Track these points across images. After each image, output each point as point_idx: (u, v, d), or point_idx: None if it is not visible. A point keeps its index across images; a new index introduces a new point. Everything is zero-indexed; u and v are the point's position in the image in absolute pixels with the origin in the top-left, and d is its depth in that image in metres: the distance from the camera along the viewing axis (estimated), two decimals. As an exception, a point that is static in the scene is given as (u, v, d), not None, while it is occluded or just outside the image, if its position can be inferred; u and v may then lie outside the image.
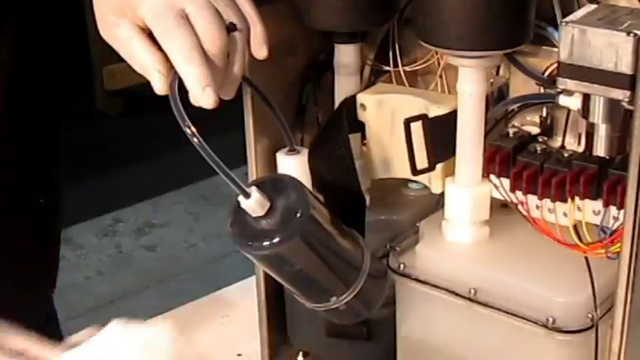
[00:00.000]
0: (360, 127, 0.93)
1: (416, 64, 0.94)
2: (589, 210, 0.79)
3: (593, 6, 0.74)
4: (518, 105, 0.87)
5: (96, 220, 2.53)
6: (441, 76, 0.93)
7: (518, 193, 0.82)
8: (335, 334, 0.94)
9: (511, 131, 0.85)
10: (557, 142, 0.86)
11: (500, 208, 0.86)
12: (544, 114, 0.87)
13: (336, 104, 0.93)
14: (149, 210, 2.51)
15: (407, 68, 0.95)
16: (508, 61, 0.86)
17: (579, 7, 0.78)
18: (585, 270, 0.79)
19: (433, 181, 0.91)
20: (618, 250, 0.73)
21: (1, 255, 0.93)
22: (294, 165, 0.87)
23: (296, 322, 0.98)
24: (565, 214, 0.79)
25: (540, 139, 0.85)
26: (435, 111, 0.87)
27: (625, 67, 0.69)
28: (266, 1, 0.81)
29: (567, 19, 0.72)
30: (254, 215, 0.69)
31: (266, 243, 0.69)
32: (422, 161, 0.88)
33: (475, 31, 0.77)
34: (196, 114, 0.70)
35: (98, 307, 2.35)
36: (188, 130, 0.67)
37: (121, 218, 2.52)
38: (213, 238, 2.53)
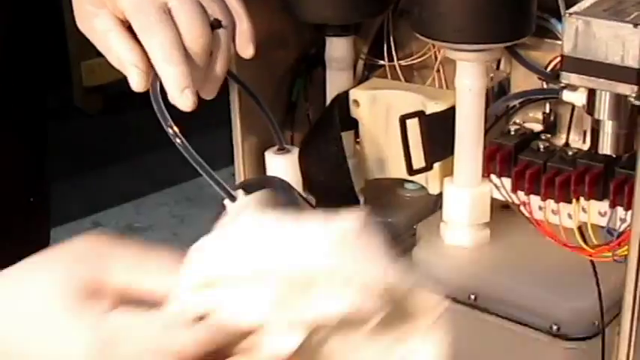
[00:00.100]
0: (353, 125, 0.92)
1: (412, 58, 0.94)
2: (595, 211, 0.79)
3: (599, -4, 0.74)
4: (519, 101, 0.87)
5: (74, 223, 2.53)
6: (438, 71, 0.93)
7: (520, 194, 0.82)
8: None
9: (512, 128, 0.85)
10: (560, 140, 0.86)
11: (501, 209, 0.86)
12: (547, 110, 0.87)
13: (328, 100, 0.93)
14: (131, 212, 2.51)
15: (402, 62, 0.94)
16: (509, 55, 0.86)
17: (584, -2, 0.78)
18: (591, 274, 0.79)
19: (430, 182, 0.91)
20: (626, 253, 0.73)
21: None
22: (283, 164, 0.87)
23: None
24: (570, 216, 0.79)
25: (543, 137, 0.85)
26: (432, 107, 0.87)
27: (632, 60, 0.69)
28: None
29: (571, 10, 0.72)
30: None
31: None
32: (418, 160, 0.87)
33: (474, 23, 0.77)
34: (180, 111, 0.69)
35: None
36: (170, 131, 0.66)
37: (100, 222, 2.52)
38: (199, 242, 2.52)
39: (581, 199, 0.79)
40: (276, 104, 0.91)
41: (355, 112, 0.92)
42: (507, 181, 0.83)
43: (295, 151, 0.87)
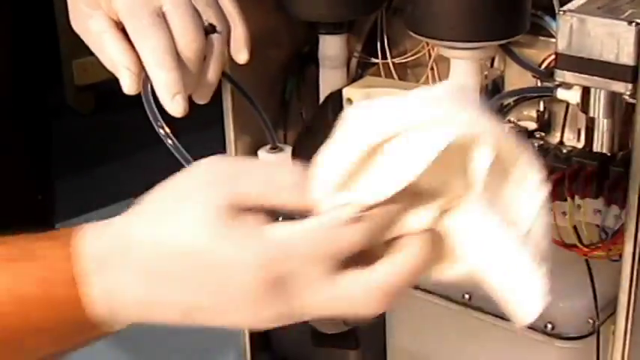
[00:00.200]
0: (346, 123, 0.93)
1: (405, 56, 0.94)
2: (589, 209, 0.79)
3: (593, -6, 0.74)
4: (513, 99, 0.87)
5: (65, 224, 2.52)
6: (432, 69, 0.93)
7: (515, 192, 0.82)
8: (321, 343, 0.93)
9: (506, 126, 0.85)
10: (555, 138, 0.86)
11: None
12: (541, 108, 0.87)
13: (321, 99, 0.93)
14: (124, 211, 2.50)
15: (396, 60, 0.94)
16: (503, 53, 0.86)
17: (578, -5, 0.78)
18: (586, 273, 0.79)
19: (425, 180, 0.91)
20: (620, 251, 0.73)
21: None
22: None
23: (279, 329, 0.98)
24: (564, 214, 0.79)
25: (537, 135, 0.85)
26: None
27: (626, 58, 0.69)
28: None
29: (565, 7, 0.72)
30: None
31: None
32: (412, 159, 0.87)
33: (468, 21, 0.77)
34: (172, 110, 0.70)
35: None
36: (161, 131, 0.67)
37: (92, 221, 2.52)
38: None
39: (576, 197, 0.79)
40: (269, 103, 0.91)
41: (349, 110, 0.92)
42: (502, 180, 0.82)
43: (288, 150, 0.87)
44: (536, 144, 0.82)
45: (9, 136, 0.95)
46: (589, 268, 0.79)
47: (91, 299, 0.49)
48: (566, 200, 0.79)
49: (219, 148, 0.93)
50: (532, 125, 0.87)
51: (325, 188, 0.49)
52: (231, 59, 0.76)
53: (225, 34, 0.73)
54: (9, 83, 0.95)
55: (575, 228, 0.79)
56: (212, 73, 0.73)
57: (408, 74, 0.96)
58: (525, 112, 0.88)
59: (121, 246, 0.49)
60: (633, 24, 0.68)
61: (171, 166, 0.68)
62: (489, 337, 0.83)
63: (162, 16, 0.70)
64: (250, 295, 0.48)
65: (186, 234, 0.48)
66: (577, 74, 0.72)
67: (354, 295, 0.48)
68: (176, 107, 0.69)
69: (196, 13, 0.71)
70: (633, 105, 0.69)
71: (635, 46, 0.68)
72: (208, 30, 0.72)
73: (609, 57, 0.70)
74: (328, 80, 0.93)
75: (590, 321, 0.79)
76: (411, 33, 0.82)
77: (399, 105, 0.50)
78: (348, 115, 0.51)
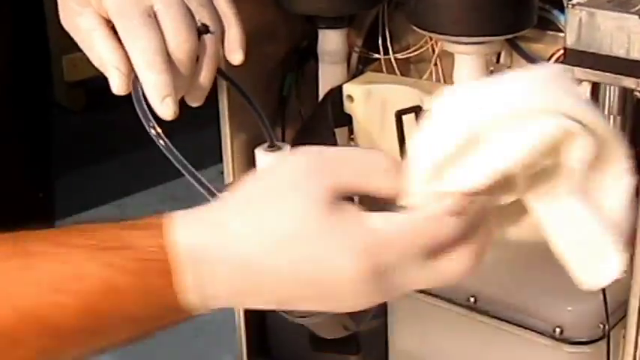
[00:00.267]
0: (346, 121, 0.92)
1: (408, 51, 0.94)
2: (599, 209, 0.78)
3: (603, -13, 0.74)
4: (520, 95, 0.86)
5: (55, 224, 2.53)
6: (435, 64, 0.93)
7: (521, 192, 0.82)
8: (321, 348, 0.93)
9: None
10: (563, 136, 0.86)
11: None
12: (549, 105, 0.86)
13: (321, 95, 0.92)
14: (115, 213, 2.50)
15: (398, 56, 0.94)
16: (510, 48, 0.86)
17: (587, -12, 0.77)
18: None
19: (427, 180, 0.91)
20: (631, 253, 0.73)
21: None
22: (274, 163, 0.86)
23: (278, 333, 0.98)
24: (573, 215, 0.79)
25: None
26: (429, 102, 0.86)
27: (638, 53, 0.69)
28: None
29: (574, 0, 0.71)
30: None
31: None
32: (415, 158, 0.87)
33: (473, 15, 0.77)
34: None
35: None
36: (153, 132, 0.66)
37: (83, 222, 2.52)
38: (186, 243, 2.51)
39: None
40: (266, 100, 0.91)
41: (349, 107, 0.92)
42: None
43: (286, 148, 0.87)
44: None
45: (9, 134, 0.96)
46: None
47: (184, 289, 0.51)
48: (575, 200, 0.79)
49: (215, 147, 0.93)
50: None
51: (421, 175, 0.51)
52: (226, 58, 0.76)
53: (219, 35, 0.73)
54: (6, 80, 0.95)
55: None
56: (205, 76, 0.73)
57: (410, 70, 0.96)
58: (532, 109, 0.87)
59: (218, 237, 0.51)
60: (645, 17, 0.68)
61: (164, 166, 0.67)
62: (495, 341, 0.83)
63: (153, 16, 0.69)
64: (351, 284, 0.50)
65: (290, 225, 0.51)
66: (586, 70, 0.71)
67: (448, 278, 0.52)
68: (166, 110, 0.69)
69: (189, 12, 0.71)
70: (645, 101, 0.69)
71: (646, 41, 0.68)
72: (201, 30, 0.72)
73: (619, 52, 0.69)
74: (328, 76, 0.92)
75: (601, 325, 0.79)
76: (414, 27, 0.81)
77: (496, 89, 0.51)
78: (443, 99, 0.53)
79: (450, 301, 0.84)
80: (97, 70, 0.73)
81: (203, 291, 0.51)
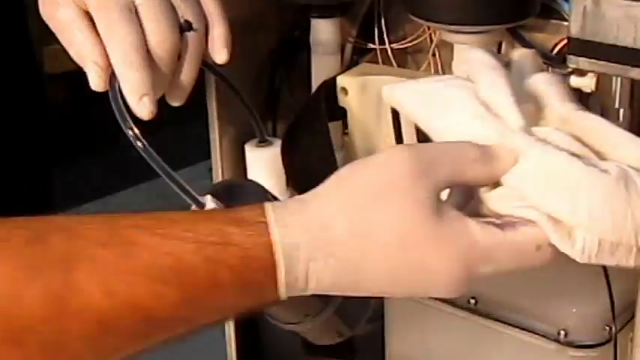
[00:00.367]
0: (341, 115, 0.92)
1: (405, 41, 0.94)
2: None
3: (608, -27, 0.74)
4: (522, 87, 0.86)
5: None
6: (434, 55, 0.93)
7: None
8: (314, 353, 0.93)
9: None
10: (567, 130, 0.86)
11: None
12: (552, 97, 0.86)
13: (313, 88, 0.92)
14: (100, 211, 2.50)
15: (394, 46, 0.94)
16: (511, 37, 0.86)
17: (592, -25, 0.77)
18: (601, 276, 0.78)
19: (426, 176, 0.91)
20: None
21: None
22: (265, 158, 0.86)
23: (270, 337, 0.97)
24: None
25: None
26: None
27: (645, 42, 0.69)
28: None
29: (579, -12, 0.71)
30: None
31: None
32: (413, 153, 0.87)
33: (473, 3, 0.77)
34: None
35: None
36: (130, 132, 0.66)
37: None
38: (173, 243, 2.51)
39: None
40: (256, 93, 0.91)
41: (343, 100, 0.91)
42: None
43: (278, 143, 0.87)
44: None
45: (8, 130, 0.96)
46: (605, 272, 0.79)
47: (283, 285, 0.54)
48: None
49: (202, 142, 0.92)
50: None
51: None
52: None
53: (202, 33, 0.73)
54: None
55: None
56: (186, 74, 0.73)
57: (407, 61, 0.96)
58: (535, 102, 0.87)
59: (321, 239, 0.54)
60: (652, 6, 0.68)
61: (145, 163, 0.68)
62: (497, 345, 0.83)
63: (134, 11, 0.70)
64: (444, 287, 0.55)
65: (396, 231, 0.54)
66: (591, 60, 0.71)
67: None
68: (142, 110, 0.69)
69: (171, 8, 0.71)
70: (653, 93, 0.69)
71: (654, 30, 0.68)
72: (184, 27, 0.72)
73: (626, 41, 0.69)
74: (321, 68, 0.92)
75: (607, 328, 0.79)
76: (411, 16, 0.81)
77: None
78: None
79: (449, 302, 0.84)
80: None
81: (305, 288, 0.54)
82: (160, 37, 0.70)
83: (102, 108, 0.71)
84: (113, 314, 0.51)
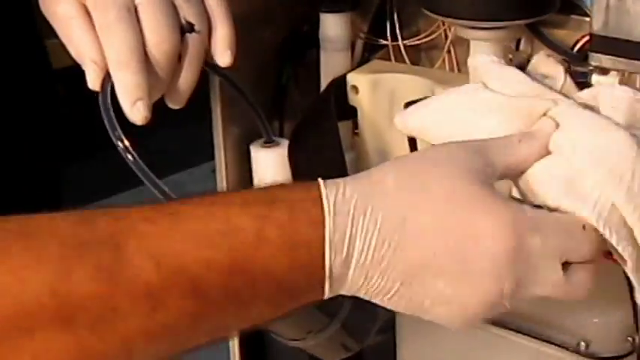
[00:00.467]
0: (351, 114, 0.92)
1: (418, 37, 0.93)
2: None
3: (633, -34, 0.73)
4: (542, 86, 0.86)
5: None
6: (448, 52, 0.93)
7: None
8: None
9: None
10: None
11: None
12: (573, 96, 0.86)
13: (322, 86, 0.92)
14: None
15: (408, 42, 0.94)
16: (530, 34, 0.85)
17: (615, -32, 0.77)
18: (624, 285, 0.78)
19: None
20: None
21: None
22: (271, 160, 0.86)
23: (275, 353, 0.97)
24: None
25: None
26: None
27: (671, 39, 0.68)
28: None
29: (601, -19, 0.71)
30: None
31: None
32: (426, 154, 0.87)
33: (490, -3, 0.77)
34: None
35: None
36: (120, 145, 0.67)
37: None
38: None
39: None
40: (262, 91, 0.91)
41: (354, 99, 0.91)
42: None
43: (284, 143, 0.87)
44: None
45: (16, 125, 0.97)
46: (628, 280, 0.78)
47: (331, 245, 0.54)
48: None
49: (206, 143, 0.92)
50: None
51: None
52: None
53: (205, 34, 0.74)
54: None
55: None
56: (186, 77, 0.73)
57: (421, 58, 0.96)
58: (555, 101, 0.87)
59: (371, 193, 0.55)
60: (679, 0, 0.68)
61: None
62: (513, 357, 0.83)
63: (133, 11, 0.70)
64: (491, 260, 0.54)
65: (447, 184, 0.55)
66: (614, 58, 0.71)
67: (576, 293, 0.59)
68: (136, 115, 0.70)
69: (172, 8, 0.71)
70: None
71: (681, 26, 0.68)
72: (185, 29, 0.72)
73: (652, 38, 0.69)
74: (330, 65, 0.92)
75: (630, 339, 0.78)
76: (425, 11, 0.81)
77: None
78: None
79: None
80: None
81: (347, 245, 0.54)
82: (158, 39, 0.70)
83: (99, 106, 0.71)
84: (162, 285, 0.52)
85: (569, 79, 0.69)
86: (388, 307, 0.57)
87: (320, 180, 0.55)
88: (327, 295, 0.56)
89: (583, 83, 0.78)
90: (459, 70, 0.92)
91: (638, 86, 0.73)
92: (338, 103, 0.90)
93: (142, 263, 0.52)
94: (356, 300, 0.71)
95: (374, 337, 0.80)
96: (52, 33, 0.73)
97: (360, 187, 0.55)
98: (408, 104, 0.85)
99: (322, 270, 0.54)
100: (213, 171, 0.91)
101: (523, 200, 0.61)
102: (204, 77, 0.78)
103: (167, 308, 0.52)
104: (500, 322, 0.83)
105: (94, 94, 0.71)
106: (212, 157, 0.91)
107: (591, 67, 0.74)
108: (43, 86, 1.07)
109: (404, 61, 0.94)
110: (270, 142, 0.87)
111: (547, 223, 0.57)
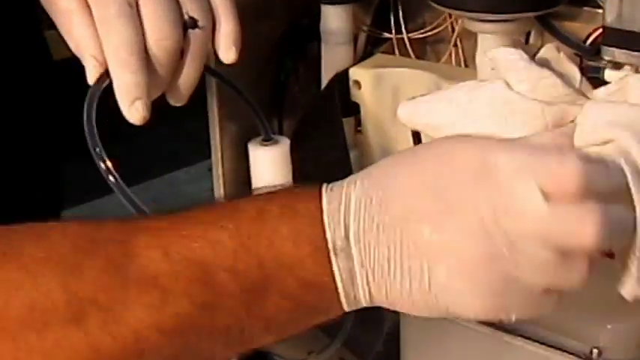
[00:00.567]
0: (354, 110, 0.92)
1: (424, 30, 0.94)
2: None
3: (647, -44, 0.73)
4: (553, 81, 0.86)
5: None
6: (455, 45, 0.93)
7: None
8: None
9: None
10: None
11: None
12: (585, 91, 0.86)
13: (324, 81, 0.92)
14: (92, 213, 2.51)
15: (412, 35, 0.94)
16: (540, 27, 0.85)
17: (629, -42, 0.77)
18: (639, 289, 0.78)
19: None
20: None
21: None
22: (270, 158, 0.86)
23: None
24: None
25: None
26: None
27: (687, 32, 0.68)
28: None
29: (615, -28, 0.71)
30: None
31: None
32: (432, 152, 0.87)
33: (499, -11, 0.77)
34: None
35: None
36: (102, 165, 0.68)
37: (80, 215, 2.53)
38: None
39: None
40: (260, 87, 0.91)
41: (356, 94, 0.91)
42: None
43: (284, 141, 0.87)
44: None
45: (15, 124, 0.97)
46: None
47: (328, 216, 0.56)
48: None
49: (202, 140, 0.92)
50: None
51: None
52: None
53: (209, 30, 0.74)
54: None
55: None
56: (188, 75, 0.73)
57: (426, 52, 0.96)
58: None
59: (368, 169, 0.59)
60: (696, -8, 0.68)
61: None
62: (523, 364, 0.83)
63: (134, 6, 0.70)
64: (466, 189, 0.54)
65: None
66: (628, 52, 0.71)
67: (576, 277, 0.62)
68: (134, 115, 0.70)
69: (175, 3, 0.71)
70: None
71: (698, 19, 0.68)
72: (188, 24, 0.72)
73: (667, 31, 0.69)
74: (331, 59, 0.92)
75: (644, 346, 0.78)
76: (431, 2, 0.81)
77: None
78: None
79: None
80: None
81: (344, 214, 0.55)
82: (160, 35, 0.70)
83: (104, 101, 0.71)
84: (171, 273, 0.53)
85: (584, 77, 0.69)
86: (392, 295, 0.56)
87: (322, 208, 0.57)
88: (337, 274, 0.56)
89: (595, 79, 0.78)
90: (466, 65, 0.92)
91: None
92: (340, 99, 0.90)
93: (150, 254, 0.54)
94: (358, 316, 0.72)
95: (376, 350, 0.80)
96: (51, 24, 0.74)
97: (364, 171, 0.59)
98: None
99: (324, 241, 0.55)
100: (210, 169, 0.92)
101: None
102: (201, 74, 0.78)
103: (177, 298, 0.53)
104: (510, 328, 0.83)
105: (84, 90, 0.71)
106: (209, 156, 0.91)
107: (604, 62, 0.74)
108: (43, 78, 1.07)
109: (409, 55, 0.94)
110: (268, 140, 0.87)
111: (519, 142, 0.57)
